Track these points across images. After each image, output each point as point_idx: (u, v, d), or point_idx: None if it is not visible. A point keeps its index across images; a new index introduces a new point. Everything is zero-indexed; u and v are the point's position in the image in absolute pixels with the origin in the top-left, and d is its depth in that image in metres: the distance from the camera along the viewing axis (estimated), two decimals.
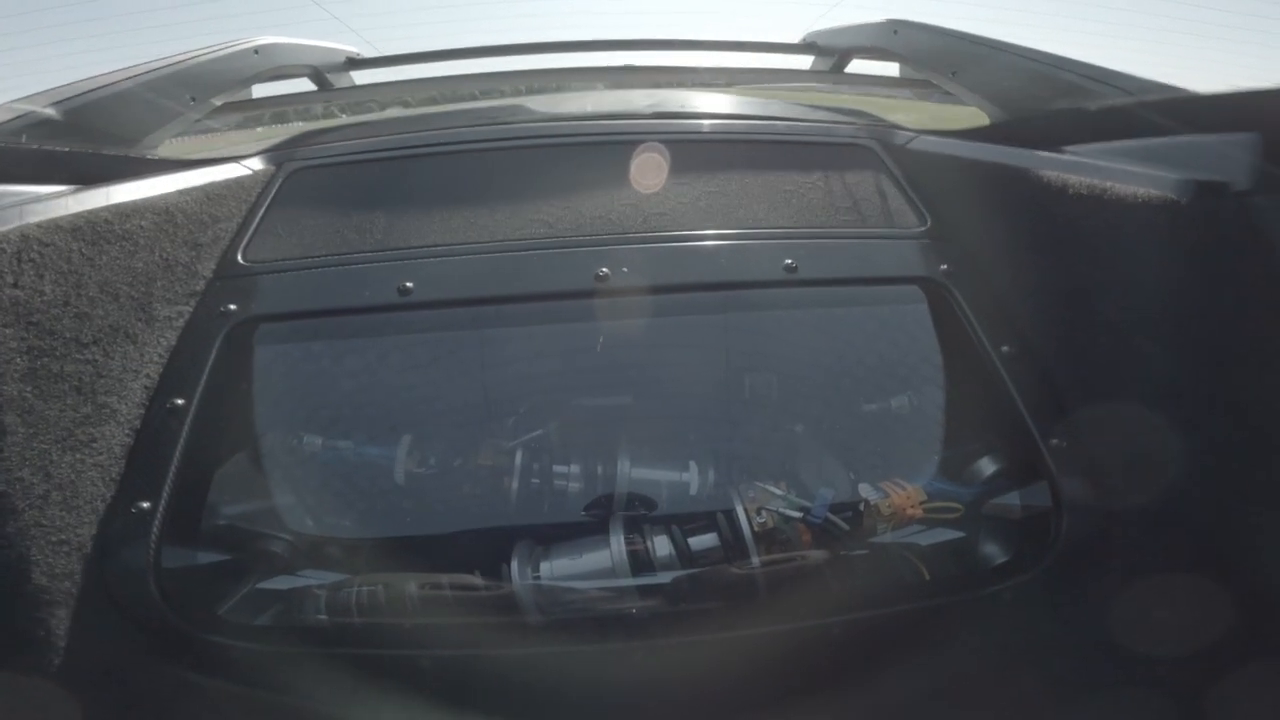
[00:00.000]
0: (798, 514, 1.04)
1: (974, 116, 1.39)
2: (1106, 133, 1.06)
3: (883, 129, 1.41)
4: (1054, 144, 1.12)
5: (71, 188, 0.99)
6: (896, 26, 1.61)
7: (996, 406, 1.07)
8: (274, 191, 1.25)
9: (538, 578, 0.99)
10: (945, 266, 1.16)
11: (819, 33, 1.89)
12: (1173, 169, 0.89)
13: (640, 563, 1.00)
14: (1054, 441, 1.01)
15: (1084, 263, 1.00)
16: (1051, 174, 1.03)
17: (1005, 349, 1.08)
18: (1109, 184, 0.94)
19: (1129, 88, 1.16)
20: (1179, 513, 0.93)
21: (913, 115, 1.73)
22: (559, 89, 2.17)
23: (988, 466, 1.10)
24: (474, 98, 2.33)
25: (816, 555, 1.01)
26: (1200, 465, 0.90)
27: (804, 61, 1.90)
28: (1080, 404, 1.03)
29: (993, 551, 1.08)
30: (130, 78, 1.28)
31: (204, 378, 1.01)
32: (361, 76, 1.85)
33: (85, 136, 1.13)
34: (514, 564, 0.99)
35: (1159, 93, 1.12)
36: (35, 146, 1.04)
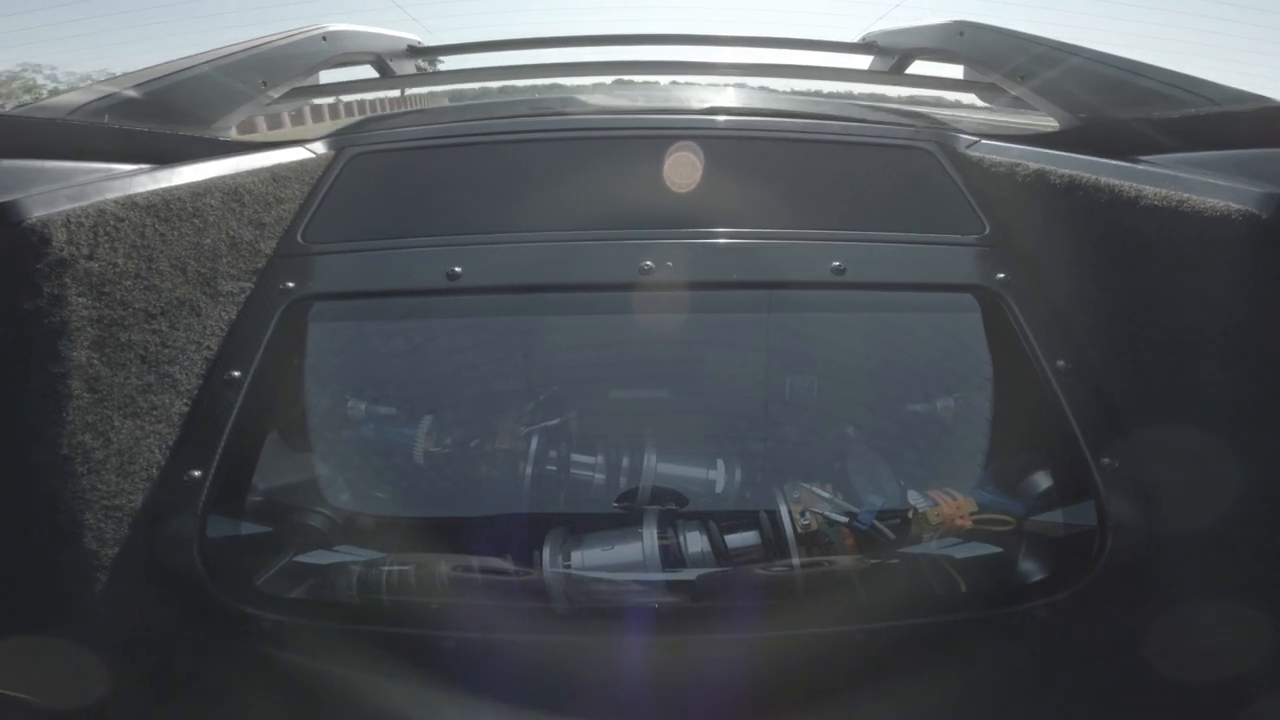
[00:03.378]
0: (843, 518, 1.02)
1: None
2: (1185, 142, 1.01)
3: (943, 132, 1.37)
4: (1127, 153, 1.07)
5: (149, 166, 1.04)
6: (963, 28, 1.56)
7: (1048, 421, 1.03)
8: (335, 175, 1.29)
9: (568, 566, 1.00)
10: (1002, 275, 1.13)
11: (880, 33, 1.85)
12: (1256, 182, 0.84)
13: (674, 558, 1.00)
14: (1105, 460, 0.98)
15: (1150, 277, 0.96)
16: (1122, 184, 0.98)
17: (1060, 363, 1.05)
18: (1184, 195, 0.89)
19: (1214, 96, 1.10)
20: (1227, 541, 0.89)
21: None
22: (614, 82, 2.17)
23: (1034, 481, 1.07)
24: (529, 89, 2.36)
25: (850, 561, 1.00)
26: (1256, 494, 0.85)
27: (864, 61, 1.86)
28: (1135, 423, 0.99)
29: (1030, 568, 1.04)
30: (207, 62, 1.33)
31: (260, 352, 1.05)
32: (422, 64, 1.89)
33: (164, 118, 1.19)
34: (545, 552, 1.01)
35: (1245, 102, 1.07)
36: (116, 126, 1.09)
